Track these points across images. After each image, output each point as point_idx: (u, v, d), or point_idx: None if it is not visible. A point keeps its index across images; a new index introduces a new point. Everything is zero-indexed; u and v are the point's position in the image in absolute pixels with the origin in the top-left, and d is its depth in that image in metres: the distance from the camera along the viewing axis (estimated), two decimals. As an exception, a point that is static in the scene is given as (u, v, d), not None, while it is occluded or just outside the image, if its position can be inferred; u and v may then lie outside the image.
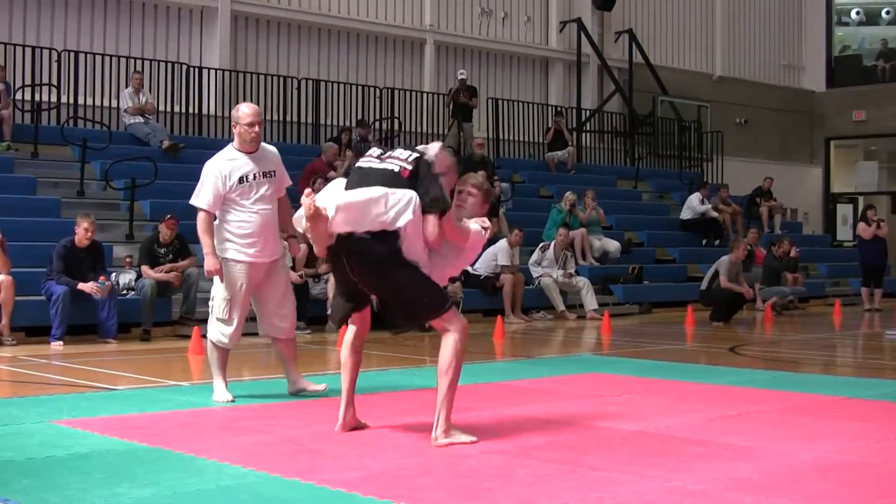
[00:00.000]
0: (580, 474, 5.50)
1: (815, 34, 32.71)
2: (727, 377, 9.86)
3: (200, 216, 8.25)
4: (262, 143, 8.48)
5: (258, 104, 20.50)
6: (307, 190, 6.26)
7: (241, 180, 8.15)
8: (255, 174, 8.22)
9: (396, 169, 6.29)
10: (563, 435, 6.64)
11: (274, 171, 8.36)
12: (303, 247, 15.22)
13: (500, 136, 24.14)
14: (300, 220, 6.35)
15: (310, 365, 11.22)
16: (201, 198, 8.22)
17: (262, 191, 8.23)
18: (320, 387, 8.43)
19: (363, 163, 6.47)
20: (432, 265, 6.33)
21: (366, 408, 6.96)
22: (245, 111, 8.31)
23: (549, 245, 18.64)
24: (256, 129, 8.27)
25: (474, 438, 6.31)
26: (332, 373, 10.44)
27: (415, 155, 6.35)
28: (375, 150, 6.54)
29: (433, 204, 6.21)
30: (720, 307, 17.36)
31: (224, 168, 8.22)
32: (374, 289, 6.38)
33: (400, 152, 6.41)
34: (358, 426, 6.78)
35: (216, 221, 8.28)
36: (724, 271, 17.45)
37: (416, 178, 6.26)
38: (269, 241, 8.22)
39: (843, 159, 33.36)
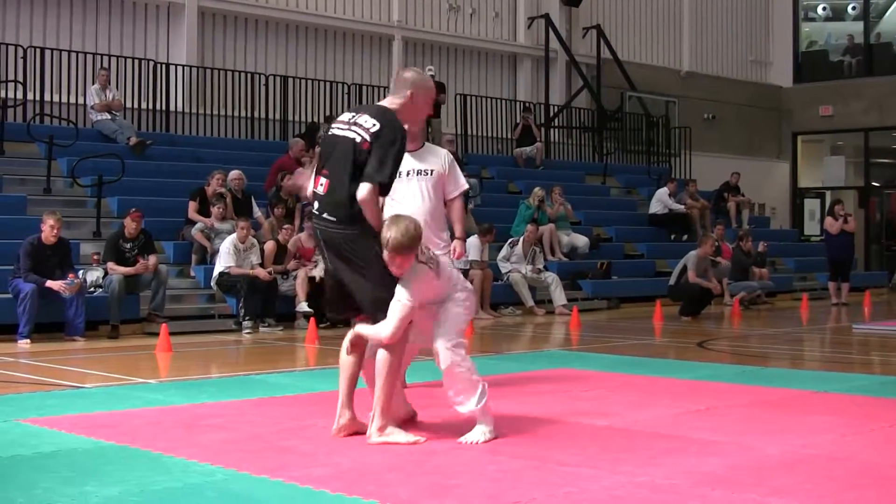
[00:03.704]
0: (548, 469, 5.51)
1: (781, 30, 32.84)
2: (695, 372, 9.89)
3: None
4: (430, 145, 8.62)
5: (225, 101, 20.71)
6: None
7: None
8: (408, 171, 8.26)
9: (358, 139, 6.25)
10: (531, 430, 6.64)
11: (431, 170, 8.37)
12: (271, 243, 15.24)
13: (469, 132, 24.14)
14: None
15: (276, 362, 11.21)
16: None
17: (412, 187, 8.30)
18: None
19: (334, 128, 6.48)
20: None
21: (335, 404, 6.91)
22: None
23: (518, 241, 18.66)
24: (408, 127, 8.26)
25: (414, 439, 6.20)
26: (300, 370, 10.43)
27: (377, 126, 6.28)
28: (347, 115, 6.52)
29: (370, 176, 6.12)
30: (689, 302, 17.42)
31: None
32: (342, 273, 6.33)
33: (365, 119, 6.34)
34: (359, 430, 6.47)
35: None
36: (693, 266, 17.51)
37: (377, 147, 6.24)
38: None
39: (810, 154, 33.52)
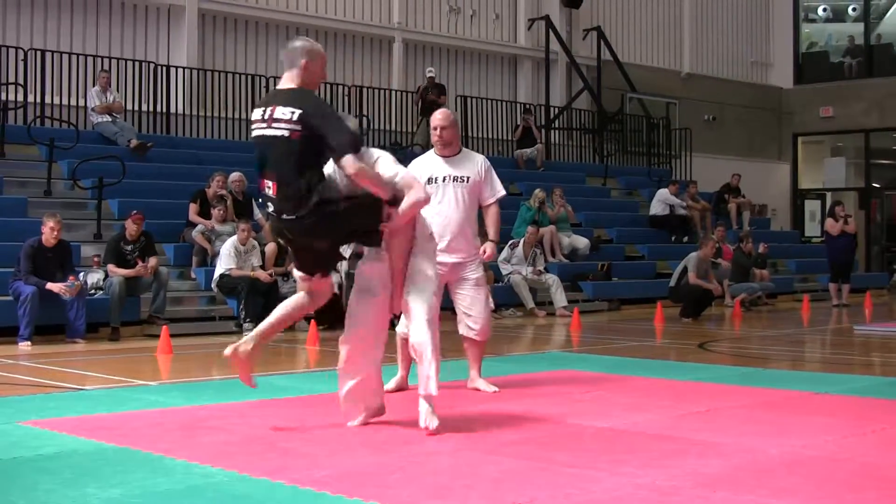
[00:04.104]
0: (550, 471, 5.50)
1: (782, 31, 32.84)
2: (696, 373, 9.89)
3: None
4: (468, 151, 8.70)
5: (226, 103, 20.72)
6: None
7: (429, 181, 8.27)
8: (444, 177, 8.39)
9: (286, 134, 6.20)
10: (532, 432, 6.64)
11: (467, 177, 8.45)
12: (272, 245, 15.24)
13: (469, 134, 24.12)
14: None
15: (277, 364, 11.20)
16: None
17: (448, 193, 8.38)
18: (491, 389, 8.54)
19: (255, 130, 6.41)
20: None
21: (336, 406, 6.92)
22: (434, 115, 8.54)
23: (519, 242, 18.66)
24: (438, 132, 8.42)
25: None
26: (300, 371, 10.42)
27: (297, 112, 6.20)
28: (258, 111, 6.43)
29: (341, 148, 6.15)
30: (689, 304, 17.42)
31: (418, 167, 8.48)
32: (330, 240, 6.47)
33: (281, 112, 6.24)
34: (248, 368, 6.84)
35: None
36: (693, 268, 17.51)
37: (311, 130, 6.17)
38: (453, 241, 8.32)
39: (811, 155, 33.52)
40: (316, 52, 6.56)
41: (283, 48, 6.73)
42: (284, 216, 6.20)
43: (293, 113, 6.21)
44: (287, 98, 6.34)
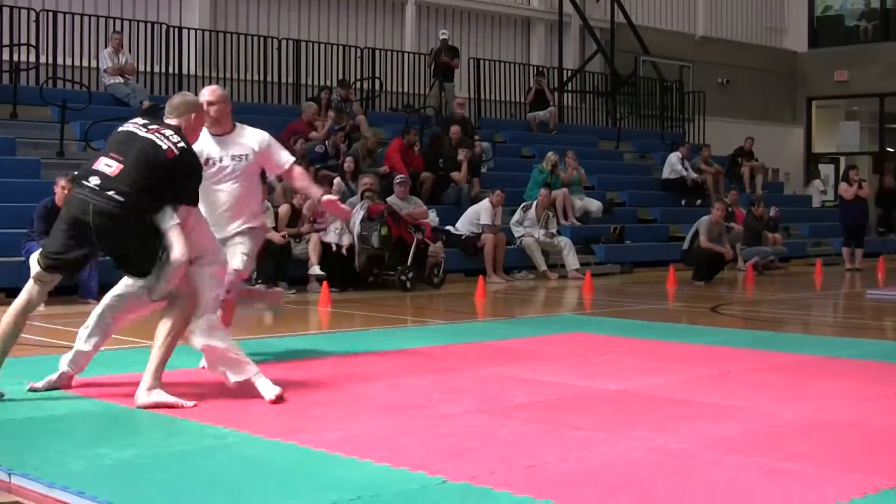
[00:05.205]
0: (562, 434, 5.50)
1: (797, -6, 32.69)
2: (709, 337, 9.88)
3: None
4: (243, 127, 8.01)
5: (238, 65, 20.65)
6: None
7: (206, 162, 7.64)
8: (220, 157, 7.79)
9: (164, 146, 6.31)
10: (544, 395, 6.64)
11: (246, 155, 7.85)
12: (285, 207, 15.22)
13: (482, 97, 24.06)
14: None
15: (287, 326, 11.21)
16: None
17: (227, 172, 7.82)
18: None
19: (127, 126, 6.52)
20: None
21: (348, 368, 6.94)
22: (202, 92, 7.89)
23: (531, 205, 18.61)
24: (205, 108, 7.56)
25: (183, 403, 6.26)
26: (312, 333, 10.43)
27: (182, 144, 6.40)
28: (141, 120, 6.56)
29: (187, 196, 6.45)
30: (701, 267, 17.38)
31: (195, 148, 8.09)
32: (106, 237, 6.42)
33: (171, 134, 6.41)
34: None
35: None
36: (704, 232, 17.47)
37: (181, 166, 6.36)
38: (232, 218, 7.87)
39: (825, 120, 33.38)
40: (200, 110, 7.05)
41: (169, 98, 6.97)
42: (110, 193, 6.16)
43: (179, 142, 6.41)
44: (177, 130, 6.53)
